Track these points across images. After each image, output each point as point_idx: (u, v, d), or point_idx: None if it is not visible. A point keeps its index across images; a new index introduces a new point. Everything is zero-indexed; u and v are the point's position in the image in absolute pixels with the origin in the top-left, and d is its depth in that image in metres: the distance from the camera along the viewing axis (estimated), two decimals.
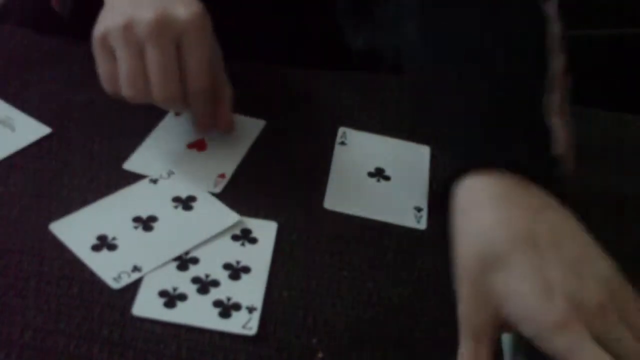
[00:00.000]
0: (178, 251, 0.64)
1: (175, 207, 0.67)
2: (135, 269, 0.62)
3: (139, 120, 0.75)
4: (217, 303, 0.61)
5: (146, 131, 0.75)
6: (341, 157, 0.75)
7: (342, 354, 0.60)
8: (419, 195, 0.73)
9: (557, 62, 0.63)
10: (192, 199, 0.68)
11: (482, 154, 0.58)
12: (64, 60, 0.81)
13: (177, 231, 0.65)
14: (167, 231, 0.65)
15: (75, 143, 0.73)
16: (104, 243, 0.64)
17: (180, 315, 0.60)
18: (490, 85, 0.61)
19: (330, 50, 0.87)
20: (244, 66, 0.83)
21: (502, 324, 0.54)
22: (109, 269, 0.62)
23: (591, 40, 1.39)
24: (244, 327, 0.60)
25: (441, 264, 0.67)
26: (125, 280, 0.61)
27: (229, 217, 0.67)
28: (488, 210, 0.55)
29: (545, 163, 0.58)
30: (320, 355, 0.60)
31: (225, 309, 0.61)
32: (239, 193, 0.70)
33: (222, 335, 0.59)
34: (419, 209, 0.71)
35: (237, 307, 0.61)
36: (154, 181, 0.69)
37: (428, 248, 0.68)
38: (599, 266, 0.54)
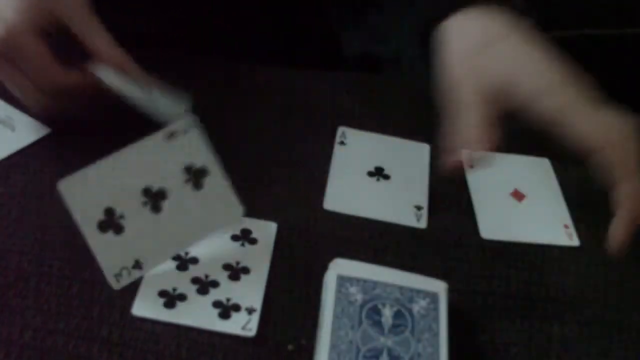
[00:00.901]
0: (180, 248, 0.63)
1: (186, 180, 0.64)
2: (137, 264, 0.62)
3: (139, 120, 0.75)
4: (217, 304, 0.61)
5: (146, 132, 0.75)
6: (341, 157, 0.75)
7: None
8: (419, 194, 0.73)
9: None
10: (203, 172, 0.65)
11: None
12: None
13: (183, 219, 0.64)
14: (173, 217, 0.63)
15: (75, 143, 0.73)
16: (111, 221, 0.62)
17: (180, 315, 0.60)
18: None
19: (327, 53, 0.87)
20: (244, 67, 0.83)
21: (494, 92, 0.62)
22: (112, 260, 0.61)
23: (591, 40, 1.38)
24: (243, 328, 0.60)
25: (441, 263, 0.67)
26: (126, 280, 0.61)
27: (235, 212, 0.65)
28: (481, 17, 0.65)
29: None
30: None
31: (225, 309, 0.61)
32: (238, 193, 0.70)
33: (222, 335, 0.59)
34: (419, 208, 0.71)
35: (236, 308, 0.61)
36: (171, 135, 0.65)
37: (428, 247, 0.68)
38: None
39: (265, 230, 0.67)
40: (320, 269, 0.64)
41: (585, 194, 0.75)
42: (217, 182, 0.65)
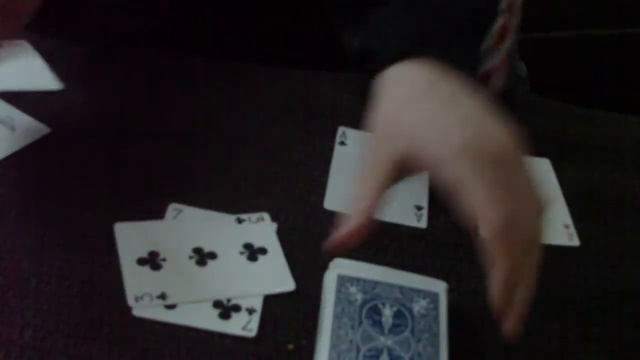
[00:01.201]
0: (215, 296, 0.61)
1: (242, 253, 0.65)
2: (162, 296, 0.61)
3: (140, 120, 0.75)
4: (217, 304, 0.61)
5: (146, 132, 0.75)
6: (341, 156, 0.75)
7: None
8: (419, 194, 0.73)
9: (501, 20, 0.73)
10: (262, 250, 0.65)
11: (412, 48, 0.65)
12: (64, 60, 0.81)
13: (224, 276, 0.63)
14: (215, 272, 0.63)
15: (75, 143, 0.73)
16: (151, 260, 0.63)
17: (180, 316, 0.60)
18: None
19: (327, 53, 0.87)
20: (244, 67, 0.83)
21: (403, 157, 0.58)
22: (138, 285, 0.61)
23: (591, 40, 1.39)
24: (243, 328, 0.60)
25: (441, 263, 0.67)
26: (146, 303, 0.60)
27: (286, 282, 0.64)
28: (413, 68, 0.63)
29: (469, 65, 0.67)
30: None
31: (225, 310, 0.61)
32: (238, 193, 0.70)
33: (222, 335, 0.59)
34: (419, 208, 0.71)
35: (236, 308, 0.61)
36: (240, 221, 0.67)
37: (428, 247, 0.68)
38: (503, 125, 0.58)
39: (265, 230, 0.67)
40: (320, 269, 0.64)
41: (585, 194, 0.75)
42: (274, 260, 0.65)
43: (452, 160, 0.55)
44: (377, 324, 0.56)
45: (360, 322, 0.56)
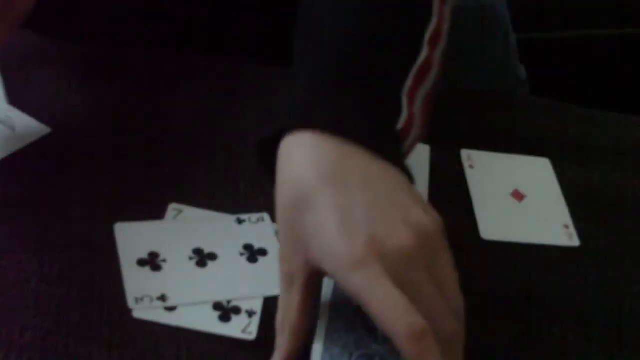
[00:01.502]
0: (215, 297, 0.61)
1: (242, 254, 0.65)
2: (162, 297, 0.61)
3: (140, 120, 0.75)
4: (217, 306, 0.61)
5: (146, 132, 0.75)
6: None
7: None
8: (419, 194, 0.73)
9: (423, 55, 0.63)
10: (262, 252, 0.65)
11: (311, 113, 0.58)
12: (64, 60, 0.81)
13: (225, 278, 0.63)
14: (216, 274, 0.63)
15: (75, 143, 0.73)
16: (151, 261, 0.63)
17: (180, 318, 0.60)
18: (354, 47, 0.61)
19: None
20: (244, 67, 0.83)
21: (314, 267, 0.53)
22: (138, 286, 0.61)
23: (591, 40, 1.39)
24: (243, 331, 0.60)
25: None
26: (146, 306, 0.60)
27: None
28: (302, 156, 0.55)
29: (382, 135, 0.58)
30: None
31: (225, 312, 0.60)
32: (238, 194, 0.70)
33: (222, 337, 0.59)
34: None
35: (236, 310, 0.61)
36: (240, 222, 0.67)
37: None
38: (413, 213, 0.53)
39: (265, 231, 0.67)
40: None
41: (585, 194, 0.75)
42: (274, 261, 0.64)
43: (346, 276, 0.51)
44: (372, 330, 0.56)
45: (355, 328, 0.56)
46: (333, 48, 0.62)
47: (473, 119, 0.81)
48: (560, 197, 0.74)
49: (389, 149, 0.57)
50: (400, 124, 0.59)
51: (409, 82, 0.61)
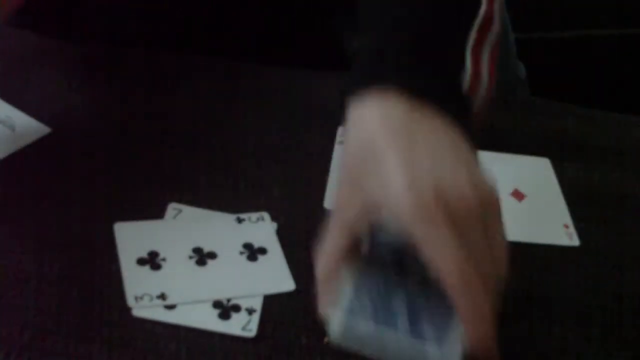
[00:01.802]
0: (215, 296, 0.61)
1: (242, 253, 0.65)
2: (162, 296, 0.61)
3: (140, 120, 0.75)
4: (217, 304, 0.61)
5: (146, 132, 0.75)
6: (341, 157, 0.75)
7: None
8: None
9: (483, 8, 0.65)
10: (262, 250, 0.65)
11: (378, 72, 0.60)
12: (64, 60, 0.81)
13: (225, 276, 0.63)
14: (216, 272, 0.63)
15: (75, 143, 0.73)
16: (151, 260, 0.63)
17: (180, 316, 0.60)
18: (415, 7, 0.64)
19: (327, 53, 0.87)
20: (244, 67, 0.83)
21: (370, 219, 0.55)
22: (138, 285, 0.61)
23: (591, 40, 1.39)
24: (243, 329, 0.60)
25: None
26: (146, 304, 0.60)
27: (285, 282, 0.64)
28: (371, 113, 0.57)
29: (449, 93, 0.60)
30: (326, 339, 0.60)
31: (225, 310, 0.61)
32: (238, 193, 0.70)
33: (222, 335, 0.59)
34: None
35: (236, 308, 0.61)
36: (240, 221, 0.67)
37: None
38: (476, 173, 0.55)
39: (266, 230, 0.67)
40: None
41: (585, 194, 0.75)
42: (274, 260, 0.65)
43: (410, 225, 0.53)
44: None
45: (382, 280, 0.56)
46: (395, 9, 0.64)
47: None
48: (560, 197, 0.74)
49: (455, 107, 0.59)
50: (467, 81, 0.61)
51: (472, 38, 0.63)
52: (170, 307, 0.60)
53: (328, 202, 0.71)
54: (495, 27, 0.65)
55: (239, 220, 0.67)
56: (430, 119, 0.57)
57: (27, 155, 0.71)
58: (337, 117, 0.79)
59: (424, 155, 0.55)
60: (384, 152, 0.55)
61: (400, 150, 0.55)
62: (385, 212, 0.54)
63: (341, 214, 0.57)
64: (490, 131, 0.80)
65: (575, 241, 0.70)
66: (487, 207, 0.55)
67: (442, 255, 0.52)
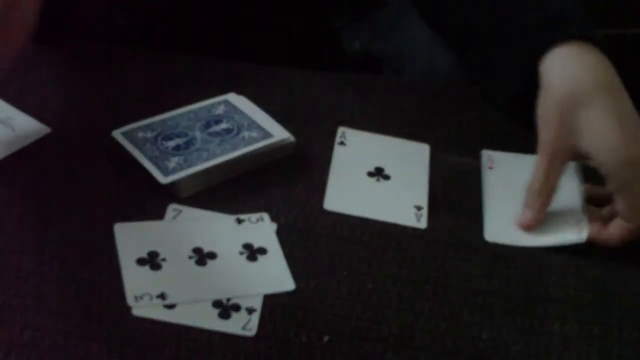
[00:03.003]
0: (215, 296, 0.61)
1: (241, 253, 0.65)
2: (162, 295, 0.61)
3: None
4: (217, 303, 0.61)
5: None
6: (341, 157, 0.75)
7: (342, 353, 0.60)
8: (419, 194, 0.73)
9: None
10: (262, 250, 0.65)
11: (574, 27, 0.70)
12: (63, 60, 0.81)
13: (225, 276, 0.63)
14: (216, 272, 0.63)
15: (75, 143, 0.73)
16: (150, 260, 0.63)
17: (179, 316, 0.60)
18: None
19: (327, 53, 0.87)
20: (244, 67, 0.83)
21: (575, 153, 0.67)
22: (138, 284, 0.61)
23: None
24: (243, 328, 0.60)
25: (441, 263, 0.67)
26: (146, 304, 0.60)
27: (285, 282, 0.64)
28: (576, 63, 0.67)
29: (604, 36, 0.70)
30: (326, 338, 0.60)
31: (225, 309, 0.61)
32: (238, 193, 0.70)
33: (222, 334, 0.59)
34: (419, 208, 0.71)
35: (236, 307, 0.61)
36: (240, 221, 0.68)
37: (428, 247, 0.68)
38: None
39: (265, 230, 0.67)
40: (320, 269, 0.64)
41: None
42: (274, 260, 0.65)
43: (616, 168, 0.64)
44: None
45: None
46: None
47: (488, 119, 0.81)
48: (577, 199, 0.73)
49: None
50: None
51: None
52: (170, 306, 0.60)
53: (328, 203, 0.71)
54: None
55: (239, 221, 0.67)
56: (614, 73, 0.67)
57: (27, 155, 0.71)
58: (337, 117, 0.79)
59: (628, 109, 0.65)
60: (592, 98, 0.65)
61: (608, 100, 0.65)
62: (592, 150, 0.65)
63: (550, 151, 0.67)
64: (489, 131, 0.80)
65: (422, 223, 0.70)
66: None
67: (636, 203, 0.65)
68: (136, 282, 0.61)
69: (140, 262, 0.63)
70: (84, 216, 0.67)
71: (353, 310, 0.63)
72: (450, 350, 0.61)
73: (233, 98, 0.76)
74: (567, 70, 0.67)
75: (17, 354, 0.57)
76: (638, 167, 0.64)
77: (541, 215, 0.69)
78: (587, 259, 0.69)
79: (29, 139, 0.72)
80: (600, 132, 0.65)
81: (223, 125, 0.73)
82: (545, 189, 0.69)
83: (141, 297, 0.60)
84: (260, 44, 0.87)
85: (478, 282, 0.66)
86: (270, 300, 0.62)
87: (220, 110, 0.75)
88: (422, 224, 0.70)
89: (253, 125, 0.74)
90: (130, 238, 0.64)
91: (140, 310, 0.60)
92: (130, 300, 0.60)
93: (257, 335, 0.60)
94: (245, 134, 0.72)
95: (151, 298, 0.60)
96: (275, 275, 0.64)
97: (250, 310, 0.61)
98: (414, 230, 0.70)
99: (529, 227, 0.69)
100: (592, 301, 0.66)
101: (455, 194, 0.74)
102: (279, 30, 0.89)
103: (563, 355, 0.62)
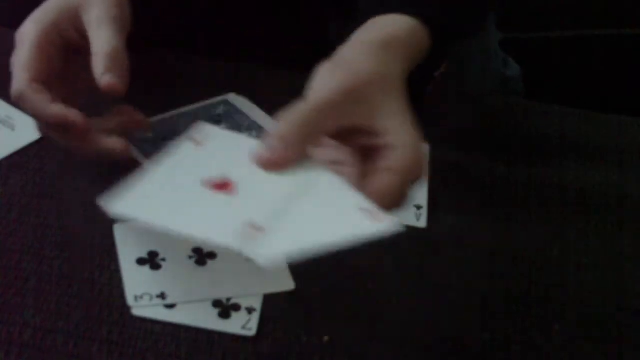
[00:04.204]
0: (215, 295, 0.62)
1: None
2: (162, 295, 0.61)
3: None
4: (217, 303, 0.61)
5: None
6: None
7: (342, 353, 0.60)
8: (419, 193, 0.73)
9: None
10: None
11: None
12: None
13: (225, 276, 0.63)
14: (216, 271, 0.63)
15: None
16: (150, 260, 0.63)
17: (179, 315, 0.60)
18: None
19: (327, 54, 0.87)
20: (244, 67, 0.83)
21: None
22: (138, 284, 0.61)
23: (590, 40, 1.38)
24: (243, 327, 0.60)
25: (441, 262, 0.67)
26: (146, 303, 0.61)
27: (285, 282, 0.63)
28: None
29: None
30: (326, 338, 0.60)
31: (225, 309, 0.61)
32: None
33: (221, 334, 0.59)
34: (418, 207, 0.71)
35: (236, 307, 0.61)
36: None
37: (428, 247, 0.68)
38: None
39: None
40: (320, 269, 0.64)
41: (585, 194, 0.75)
42: None
43: (407, 174, 0.61)
44: None
45: None
46: None
47: (473, 121, 0.81)
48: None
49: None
50: None
51: None
52: (170, 306, 0.60)
53: None
54: None
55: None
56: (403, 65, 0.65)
57: (27, 155, 0.71)
58: None
59: (408, 109, 0.64)
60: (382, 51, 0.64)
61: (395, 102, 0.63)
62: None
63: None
64: (488, 132, 0.80)
65: (422, 223, 0.70)
66: None
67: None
68: (136, 282, 0.61)
69: (140, 262, 0.63)
70: (84, 216, 0.67)
71: (353, 310, 0.63)
72: (450, 350, 0.61)
73: (233, 98, 0.76)
74: (365, 29, 0.68)
75: (17, 353, 0.57)
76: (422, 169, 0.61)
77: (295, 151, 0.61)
78: (587, 259, 0.69)
79: (29, 139, 0.72)
80: (383, 128, 0.63)
81: (223, 126, 0.73)
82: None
83: (141, 297, 0.60)
84: (261, 45, 0.87)
85: (478, 282, 0.66)
86: (270, 301, 0.62)
87: (220, 110, 0.75)
88: (422, 223, 0.70)
89: (253, 125, 0.74)
90: (130, 238, 0.64)
91: (140, 310, 0.60)
92: (130, 300, 0.60)
93: (257, 335, 0.60)
94: (245, 134, 0.72)
95: (151, 298, 0.60)
96: (275, 275, 0.64)
97: (250, 310, 0.61)
98: (414, 230, 0.70)
99: (276, 165, 0.59)
100: (592, 301, 0.66)
101: (455, 194, 0.74)
102: (279, 30, 0.89)
103: (563, 356, 0.62)
